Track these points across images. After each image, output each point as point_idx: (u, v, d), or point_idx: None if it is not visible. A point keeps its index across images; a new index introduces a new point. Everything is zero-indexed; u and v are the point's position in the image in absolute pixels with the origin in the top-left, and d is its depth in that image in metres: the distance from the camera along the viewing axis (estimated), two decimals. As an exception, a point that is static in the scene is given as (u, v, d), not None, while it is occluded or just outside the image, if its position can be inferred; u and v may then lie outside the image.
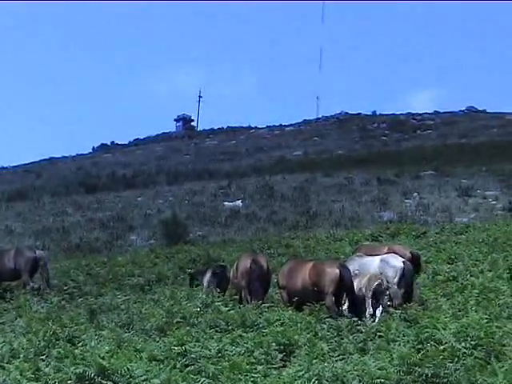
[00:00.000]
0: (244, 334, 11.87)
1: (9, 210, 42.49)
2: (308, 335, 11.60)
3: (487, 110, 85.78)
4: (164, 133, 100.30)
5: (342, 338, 11.58)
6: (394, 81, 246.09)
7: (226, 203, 39.29)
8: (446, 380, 9.27)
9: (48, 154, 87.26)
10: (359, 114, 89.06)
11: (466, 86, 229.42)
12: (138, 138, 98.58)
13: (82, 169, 69.46)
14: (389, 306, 13.30)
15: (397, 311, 12.72)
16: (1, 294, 19.17)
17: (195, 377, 9.78)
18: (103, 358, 10.08)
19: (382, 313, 13.19)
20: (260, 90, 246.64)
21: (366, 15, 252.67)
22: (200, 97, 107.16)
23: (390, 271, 13.91)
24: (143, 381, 9.60)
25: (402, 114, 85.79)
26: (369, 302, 13.34)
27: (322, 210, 35.65)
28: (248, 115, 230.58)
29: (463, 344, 10.29)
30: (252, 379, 9.60)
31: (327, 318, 12.76)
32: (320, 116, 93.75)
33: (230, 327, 12.71)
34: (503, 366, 9.43)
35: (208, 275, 17.55)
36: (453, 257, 19.65)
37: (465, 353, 10.05)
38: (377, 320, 12.91)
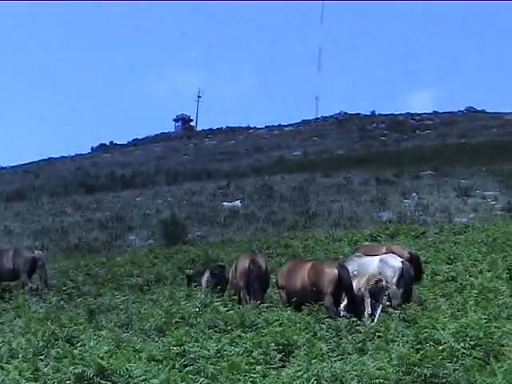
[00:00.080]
0: (243, 334, 11.86)
1: (8, 210, 42.49)
2: (307, 335, 11.60)
3: (486, 110, 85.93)
4: (163, 133, 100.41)
5: (341, 338, 11.57)
6: (393, 81, 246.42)
7: (224, 203, 39.28)
8: (444, 380, 9.27)
9: (47, 154, 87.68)
10: (358, 114, 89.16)
11: (465, 86, 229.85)
12: (136, 138, 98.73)
13: (81, 169, 69.49)
14: (388, 306, 13.29)
15: (396, 311, 12.70)
16: (0, 294, 19.16)
17: (194, 377, 9.78)
18: (102, 358, 10.08)
19: (380, 313, 13.18)
20: (259, 90, 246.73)
21: (365, 15, 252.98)
22: (199, 97, 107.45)
23: (389, 271, 13.90)
24: (142, 381, 9.60)
25: (401, 114, 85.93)
26: (368, 301, 13.34)
27: (321, 210, 35.64)
28: (247, 115, 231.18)
29: (462, 344, 10.28)
30: (251, 379, 9.60)
31: (326, 318, 12.75)
32: (319, 116, 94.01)
33: (228, 327, 12.70)
34: (502, 366, 9.43)
35: (206, 275, 17.55)
36: (452, 257, 19.65)
37: (464, 353, 10.05)
38: (376, 320, 12.90)
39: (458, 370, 9.48)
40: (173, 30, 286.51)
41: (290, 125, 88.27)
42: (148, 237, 33.55)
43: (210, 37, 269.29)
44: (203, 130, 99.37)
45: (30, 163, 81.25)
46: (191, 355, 10.74)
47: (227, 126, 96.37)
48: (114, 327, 13.37)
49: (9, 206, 43.72)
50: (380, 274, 13.82)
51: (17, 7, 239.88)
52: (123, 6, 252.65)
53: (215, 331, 12.46)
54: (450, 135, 66.32)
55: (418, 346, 10.41)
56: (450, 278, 16.68)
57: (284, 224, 33.61)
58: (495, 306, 13.07)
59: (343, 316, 13.09)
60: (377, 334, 11.52)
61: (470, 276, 16.54)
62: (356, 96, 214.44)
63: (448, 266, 18.57)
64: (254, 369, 9.99)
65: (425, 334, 10.77)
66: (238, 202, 39.22)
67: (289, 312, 13.41)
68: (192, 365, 10.37)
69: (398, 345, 10.65)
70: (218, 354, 10.84)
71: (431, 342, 10.46)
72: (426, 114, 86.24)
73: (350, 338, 11.56)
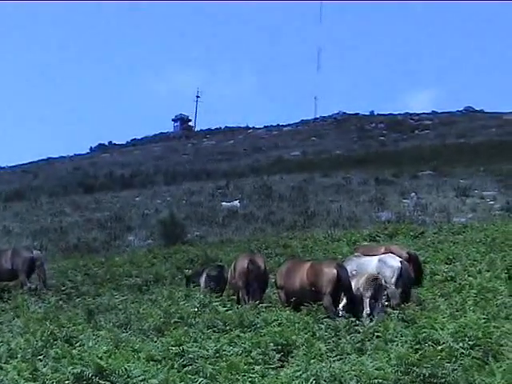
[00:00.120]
0: (242, 335, 11.86)
1: (6, 210, 42.48)
2: (306, 335, 11.59)
3: (485, 110, 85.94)
4: (162, 133, 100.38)
5: (340, 339, 11.57)
6: (391, 81, 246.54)
7: (223, 203, 39.28)
8: (443, 380, 9.28)
9: (46, 154, 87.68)
10: (357, 114, 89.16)
11: (464, 86, 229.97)
12: (135, 138, 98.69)
13: (80, 169, 69.47)
14: (386, 306, 13.29)
15: (394, 311, 12.70)
16: (-1, 294, 19.18)
17: (193, 377, 9.78)
18: (101, 358, 10.08)
19: (379, 313, 13.17)
20: (258, 90, 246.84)
21: (363, 15, 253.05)
22: (198, 97, 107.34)
23: (388, 271, 13.90)
24: (141, 381, 9.60)
25: (399, 114, 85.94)
26: (366, 301, 13.33)
27: (320, 210, 35.64)
28: (246, 115, 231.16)
29: (461, 344, 10.29)
30: (250, 379, 9.59)
31: (325, 318, 12.74)
32: (318, 116, 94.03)
33: (227, 327, 12.70)
34: (501, 366, 9.43)
35: (205, 275, 17.55)
36: (451, 257, 19.64)
37: (462, 353, 10.06)
38: (374, 319, 12.89)
39: (456, 369, 9.48)
40: (172, 30, 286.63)
41: (288, 125, 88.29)
42: (147, 237, 33.55)
43: (209, 37, 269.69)
44: (202, 130, 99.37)
45: (29, 163, 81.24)
46: (190, 355, 10.74)
47: (226, 126, 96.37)
48: (113, 327, 13.36)
49: (8, 206, 43.70)
50: (379, 273, 13.82)
51: (17, 7, 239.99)
52: (123, 6, 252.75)
53: (214, 331, 12.46)
54: (449, 135, 66.32)
55: (417, 346, 10.41)
56: (448, 278, 16.68)
57: (283, 224, 33.61)
58: (494, 305, 13.07)
59: (342, 316, 13.09)
60: (375, 333, 11.52)
61: (468, 276, 16.53)
62: (355, 96, 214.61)
63: (447, 265, 18.57)
64: (253, 369, 9.98)
65: (423, 334, 10.77)
66: (236, 202, 39.22)
67: (287, 312, 13.40)
68: (191, 365, 10.37)
69: (397, 345, 10.65)
70: (217, 354, 10.84)
71: (430, 342, 10.46)
72: (424, 113, 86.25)
73: (348, 337, 11.55)
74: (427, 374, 9.31)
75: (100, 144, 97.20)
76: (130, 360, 10.28)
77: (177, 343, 11.22)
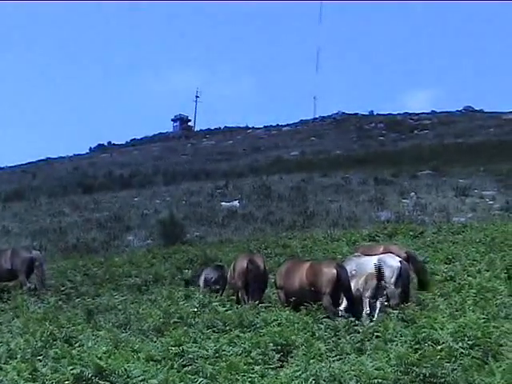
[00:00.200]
0: (241, 335, 11.86)
1: (6, 210, 42.50)
2: (305, 335, 11.59)
3: (484, 110, 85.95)
4: (161, 133, 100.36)
5: (340, 338, 11.56)
6: (391, 81, 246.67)
7: (223, 203, 39.28)
8: (443, 380, 9.27)
9: (45, 154, 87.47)
10: (356, 114, 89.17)
11: (463, 85, 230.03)
12: (135, 138, 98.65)
13: (79, 169, 69.47)
14: (386, 305, 13.28)
15: (394, 311, 12.70)
16: (-2, 294, 19.17)
17: (193, 377, 9.77)
18: (100, 359, 10.08)
19: (379, 312, 13.17)
20: (257, 90, 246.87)
21: (363, 16, 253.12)
22: (197, 97, 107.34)
23: (387, 271, 13.88)
24: (140, 381, 9.59)
25: (399, 114, 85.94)
26: (366, 301, 13.33)
27: (320, 210, 35.64)
28: (245, 115, 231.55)
29: (461, 344, 10.29)
30: (249, 379, 9.59)
31: (324, 318, 12.74)
32: (317, 116, 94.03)
33: (227, 327, 12.69)
34: (500, 366, 9.43)
35: (204, 275, 17.55)
36: (450, 257, 19.63)
37: (462, 353, 10.05)
38: (374, 318, 12.89)
39: (456, 369, 9.48)
40: (172, 30, 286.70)
41: (288, 125, 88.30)
42: (146, 237, 33.55)
43: (209, 37, 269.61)
44: (201, 130, 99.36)
45: (28, 163, 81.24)
46: (189, 355, 10.73)
47: (225, 126, 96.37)
48: (113, 327, 13.36)
49: (7, 206, 43.72)
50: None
51: (17, 7, 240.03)
52: (123, 6, 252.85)
53: (213, 331, 12.46)
54: (448, 135, 66.33)
55: (417, 346, 10.41)
56: (448, 278, 16.68)
57: (282, 224, 33.61)
58: (493, 305, 13.06)
59: (341, 316, 13.08)
60: (375, 333, 11.52)
61: (468, 276, 16.53)
62: (354, 96, 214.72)
63: (446, 265, 18.56)
64: (253, 369, 9.98)
65: (423, 334, 10.77)
66: (236, 202, 39.23)
67: (287, 312, 13.39)
68: (190, 365, 10.37)
69: (397, 345, 10.65)
70: (217, 354, 10.84)
71: (429, 342, 10.46)
72: (424, 113, 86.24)
73: (348, 337, 11.55)
74: (427, 374, 9.31)
75: (99, 144, 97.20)
76: (130, 360, 10.28)
77: (176, 343, 11.21)
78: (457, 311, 12.72)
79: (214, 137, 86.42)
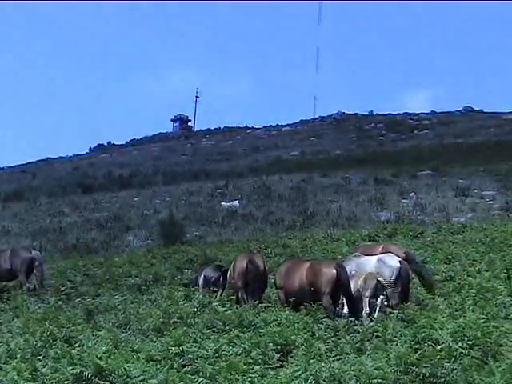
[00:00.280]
0: (241, 335, 11.86)
1: (5, 210, 42.49)
2: (305, 335, 11.59)
3: (484, 110, 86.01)
4: (161, 133, 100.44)
5: (339, 338, 11.57)
6: (390, 81, 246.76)
7: (222, 203, 39.28)
8: (443, 380, 9.28)
9: (45, 154, 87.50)
10: (356, 114, 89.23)
11: (463, 86, 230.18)
12: (134, 139, 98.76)
13: (79, 169, 69.49)
14: (386, 305, 13.29)
15: (394, 311, 12.71)
16: (-2, 294, 19.17)
17: (192, 377, 9.77)
18: (100, 359, 10.08)
19: (378, 312, 13.18)
20: (257, 90, 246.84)
21: (363, 16, 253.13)
22: (197, 97, 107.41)
23: (387, 271, 13.90)
24: (140, 381, 9.59)
25: (398, 114, 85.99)
26: (366, 301, 13.33)
27: (319, 210, 35.63)
28: (245, 115, 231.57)
29: (460, 344, 10.29)
30: (249, 379, 9.59)
31: (324, 318, 12.74)
32: (317, 116, 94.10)
33: (227, 327, 12.70)
34: (500, 366, 9.43)
35: (203, 275, 17.55)
36: (450, 257, 19.64)
37: (462, 353, 10.06)
38: (374, 318, 12.90)
39: (456, 369, 9.49)
40: (172, 30, 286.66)
41: (287, 125, 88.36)
42: (146, 237, 33.54)
43: (208, 37, 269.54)
44: (201, 130, 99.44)
45: (28, 163, 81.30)
46: (189, 355, 10.74)
47: (225, 126, 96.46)
48: (112, 327, 13.36)
49: (7, 207, 43.72)
50: (378, 273, 13.83)
51: (16, 7, 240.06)
52: (123, 6, 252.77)
53: (213, 331, 12.46)
54: (448, 135, 66.33)
55: (416, 346, 10.42)
56: (448, 278, 16.69)
57: (282, 224, 33.60)
58: (493, 305, 13.06)
59: (341, 316, 13.09)
60: (375, 333, 11.53)
61: (468, 276, 16.53)
62: (354, 96, 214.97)
63: (446, 265, 18.58)
64: (253, 369, 9.98)
65: (423, 334, 10.78)
66: (235, 202, 39.22)
67: (287, 312, 13.39)
68: (190, 365, 10.37)
69: (396, 344, 10.66)
70: (217, 354, 10.84)
71: (429, 342, 10.46)
72: (423, 113, 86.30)
73: (348, 337, 11.55)
74: (427, 374, 9.31)
75: (99, 144, 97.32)
76: (130, 360, 10.28)
77: (176, 343, 11.22)
78: (456, 311, 12.72)
79: (214, 137, 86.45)
